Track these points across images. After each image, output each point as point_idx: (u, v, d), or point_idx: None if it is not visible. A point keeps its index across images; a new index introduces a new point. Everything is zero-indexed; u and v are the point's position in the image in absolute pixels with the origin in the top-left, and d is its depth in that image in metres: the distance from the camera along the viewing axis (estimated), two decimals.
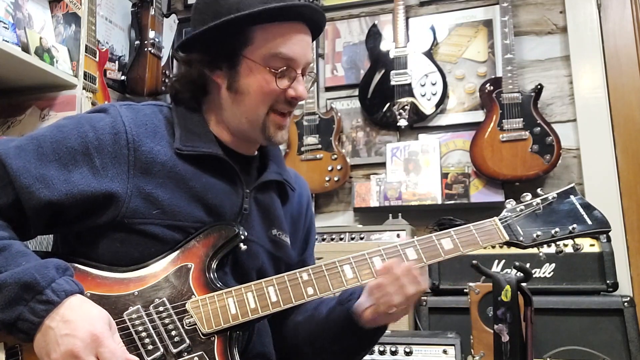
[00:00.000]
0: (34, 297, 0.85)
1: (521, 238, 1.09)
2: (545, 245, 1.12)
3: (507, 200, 1.14)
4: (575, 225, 1.10)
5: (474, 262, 1.69)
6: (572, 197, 1.14)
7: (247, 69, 1.07)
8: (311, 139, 2.81)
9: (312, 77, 1.15)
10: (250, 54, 1.07)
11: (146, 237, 1.00)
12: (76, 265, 0.99)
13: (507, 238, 1.09)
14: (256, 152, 1.22)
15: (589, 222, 1.10)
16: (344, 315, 1.12)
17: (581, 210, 1.12)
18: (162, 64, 2.89)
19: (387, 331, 1.91)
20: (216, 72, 1.10)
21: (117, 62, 2.82)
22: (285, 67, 1.06)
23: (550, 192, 1.15)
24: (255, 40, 1.06)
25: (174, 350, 0.93)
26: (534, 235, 1.09)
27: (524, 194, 1.15)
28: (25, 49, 2.02)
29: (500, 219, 1.11)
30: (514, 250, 2.12)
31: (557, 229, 1.09)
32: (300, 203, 1.31)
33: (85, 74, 2.26)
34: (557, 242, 1.12)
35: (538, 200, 1.13)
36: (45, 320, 0.85)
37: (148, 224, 1.00)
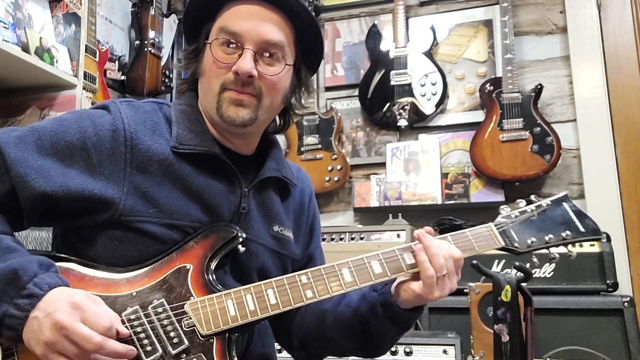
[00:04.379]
0: (18, 293, 0.85)
1: (516, 244, 1.11)
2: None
3: (502, 207, 1.16)
4: (568, 232, 1.12)
5: (474, 262, 1.69)
6: (564, 204, 1.16)
7: (207, 51, 1.10)
8: (311, 139, 2.81)
9: (276, 59, 1.08)
10: (209, 37, 1.10)
11: (144, 235, 1.00)
12: (73, 265, 0.99)
13: (503, 244, 1.10)
14: (254, 151, 1.21)
15: (582, 229, 1.13)
16: (380, 300, 1.09)
17: (574, 217, 1.15)
18: (162, 64, 2.90)
19: None
20: (198, 63, 1.13)
21: (117, 62, 2.82)
22: (228, 40, 1.06)
23: (544, 198, 1.17)
24: (216, 22, 1.10)
25: (173, 352, 0.93)
26: (529, 241, 1.11)
27: (518, 200, 1.17)
28: (25, 49, 2.02)
29: (496, 225, 1.12)
30: None
31: (550, 236, 1.12)
32: (302, 197, 1.30)
33: (85, 74, 2.26)
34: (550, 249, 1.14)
35: (532, 207, 1.15)
36: (31, 314, 0.85)
37: (145, 222, 1.00)
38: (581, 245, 1.16)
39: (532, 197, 1.18)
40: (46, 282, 0.87)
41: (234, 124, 1.07)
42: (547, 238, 1.12)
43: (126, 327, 0.93)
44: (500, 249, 1.11)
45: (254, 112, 1.07)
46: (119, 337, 0.89)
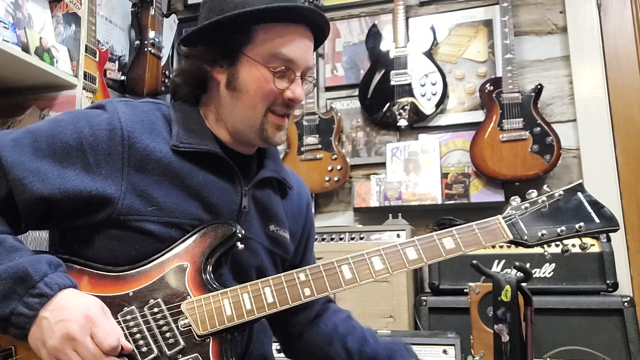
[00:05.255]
0: (27, 291, 0.86)
1: (525, 237, 1.06)
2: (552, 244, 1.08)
3: (512, 197, 1.10)
4: (582, 224, 1.05)
5: (474, 262, 1.68)
6: (579, 194, 1.09)
7: (247, 67, 1.07)
8: (311, 139, 2.81)
9: (311, 82, 1.15)
10: (251, 52, 1.06)
11: (142, 234, 1.00)
12: (71, 265, 0.98)
13: (511, 237, 1.05)
14: (254, 151, 1.21)
15: (597, 221, 1.06)
16: None
17: (589, 207, 1.07)
18: (162, 64, 2.90)
19: (387, 331, 1.93)
20: (216, 68, 1.10)
21: (117, 62, 2.82)
22: (284, 68, 1.06)
23: (556, 189, 1.10)
24: (257, 39, 1.06)
25: (169, 353, 0.92)
26: (539, 234, 1.05)
27: (530, 190, 1.11)
28: (25, 49, 2.02)
29: (504, 218, 1.07)
30: (514, 250, 2.12)
31: (563, 228, 1.05)
32: (301, 201, 1.30)
33: (85, 74, 2.26)
34: (564, 241, 1.07)
35: (544, 197, 1.09)
36: (40, 313, 0.86)
37: (144, 221, 1.00)
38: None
39: (545, 187, 1.11)
40: (56, 283, 0.88)
41: (276, 145, 1.16)
42: (559, 230, 1.05)
43: (122, 327, 0.93)
44: (508, 242, 1.06)
45: (286, 130, 1.15)
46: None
